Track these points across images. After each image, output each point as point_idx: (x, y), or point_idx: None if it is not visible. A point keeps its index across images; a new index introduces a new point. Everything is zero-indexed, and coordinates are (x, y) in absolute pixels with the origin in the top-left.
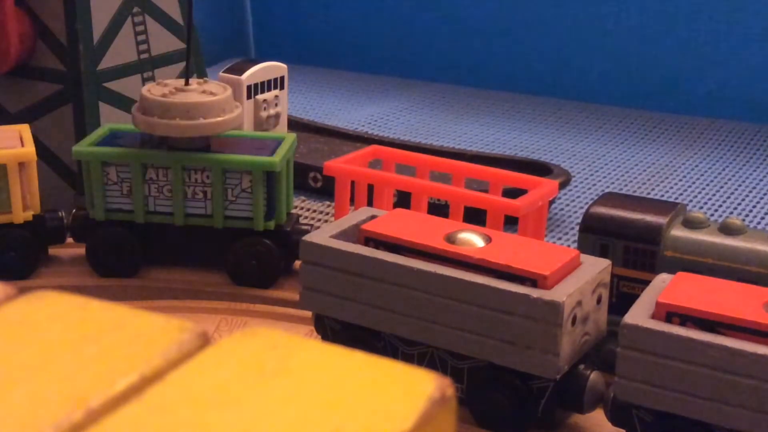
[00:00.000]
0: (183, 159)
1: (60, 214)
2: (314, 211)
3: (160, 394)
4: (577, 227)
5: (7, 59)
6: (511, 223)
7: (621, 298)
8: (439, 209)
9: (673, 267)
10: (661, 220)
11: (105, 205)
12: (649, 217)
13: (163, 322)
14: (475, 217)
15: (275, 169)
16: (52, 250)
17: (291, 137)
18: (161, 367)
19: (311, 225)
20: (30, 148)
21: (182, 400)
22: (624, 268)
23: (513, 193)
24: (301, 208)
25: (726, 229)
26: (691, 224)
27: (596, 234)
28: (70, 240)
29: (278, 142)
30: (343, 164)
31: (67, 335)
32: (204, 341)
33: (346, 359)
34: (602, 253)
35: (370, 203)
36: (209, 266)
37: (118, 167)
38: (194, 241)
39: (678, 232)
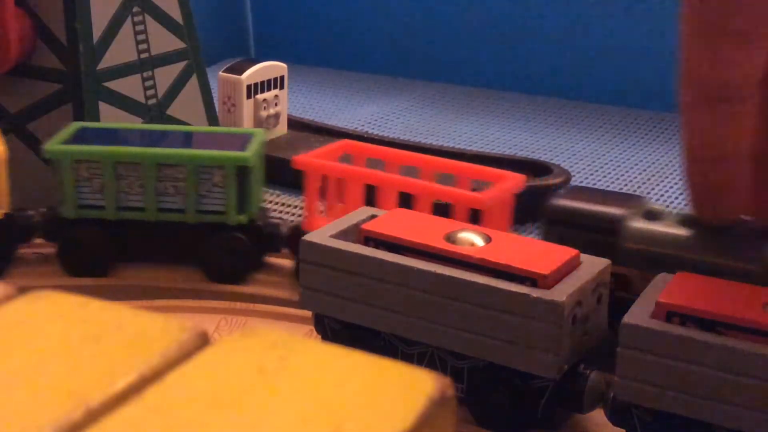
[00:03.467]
0: (155, 155)
1: (31, 212)
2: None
3: (160, 394)
4: None
5: (7, 59)
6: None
7: None
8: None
9: (631, 258)
10: (621, 211)
11: (77, 203)
12: (609, 209)
13: (163, 322)
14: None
15: (248, 164)
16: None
17: (260, 132)
18: (161, 366)
19: (281, 218)
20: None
21: (182, 400)
22: None
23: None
24: (300, 208)
25: (684, 221)
26: (651, 216)
27: (558, 225)
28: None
29: (247, 137)
30: (313, 159)
31: (67, 335)
32: (204, 341)
33: (346, 359)
34: (563, 244)
35: (365, 200)
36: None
37: (90, 164)
38: (167, 238)
39: (637, 223)
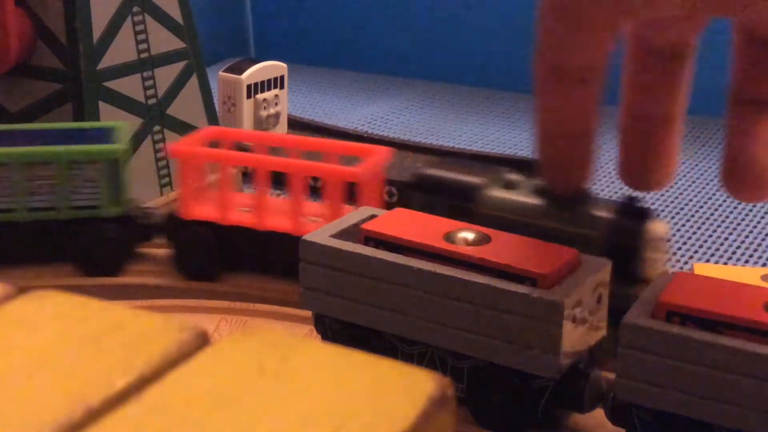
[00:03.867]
0: (26, 154)
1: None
2: None
3: (160, 394)
4: None
5: (7, 59)
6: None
7: None
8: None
9: (487, 223)
10: (480, 180)
11: None
12: (469, 178)
13: (163, 322)
14: None
15: (119, 157)
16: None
17: (124, 125)
18: (161, 366)
19: (154, 208)
20: None
21: (182, 400)
22: None
23: None
24: None
25: (538, 191)
26: (508, 185)
27: (423, 193)
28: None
29: (109, 130)
30: (185, 146)
31: (67, 335)
32: (204, 341)
33: (346, 359)
34: (429, 210)
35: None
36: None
37: None
38: (41, 236)
39: (493, 191)
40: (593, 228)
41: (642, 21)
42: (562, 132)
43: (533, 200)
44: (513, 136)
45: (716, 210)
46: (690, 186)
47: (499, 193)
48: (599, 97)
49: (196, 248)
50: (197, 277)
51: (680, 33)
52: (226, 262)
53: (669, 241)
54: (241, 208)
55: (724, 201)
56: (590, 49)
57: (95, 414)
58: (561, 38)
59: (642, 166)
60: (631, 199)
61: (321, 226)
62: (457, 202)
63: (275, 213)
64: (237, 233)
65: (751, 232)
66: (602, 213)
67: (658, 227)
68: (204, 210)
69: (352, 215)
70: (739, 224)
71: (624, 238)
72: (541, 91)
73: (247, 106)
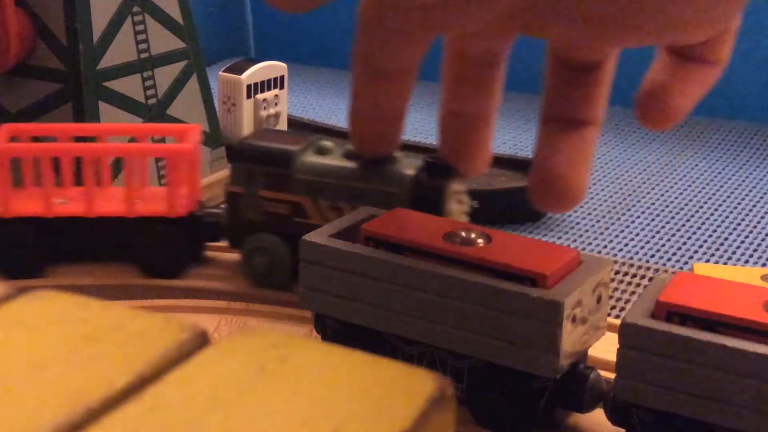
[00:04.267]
0: None
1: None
2: None
3: (160, 394)
4: (577, 226)
5: (7, 59)
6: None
7: (267, 215)
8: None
9: (302, 187)
10: (294, 148)
11: None
12: (284, 146)
13: (163, 322)
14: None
15: None
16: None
17: None
18: (161, 366)
19: None
20: None
21: (182, 400)
22: (267, 190)
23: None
24: None
25: (348, 154)
26: (321, 151)
27: (243, 163)
28: None
29: None
30: None
31: (67, 335)
32: (204, 341)
33: (346, 359)
34: (249, 179)
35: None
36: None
37: None
38: None
39: (307, 157)
40: (399, 186)
41: (455, 33)
42: (374, 116)
43: (344, 163)
44: (513, 136)
45: (716, 210)
46: (690, 186)
47: (312, 159)
48: (410, 89)
49: (15, 246)
50: (19, 275)
51: (490, 44)
52: (53, 256)
53: (467, 194)
54: (60, 200)
55: (724, 201)
56: (401, 56)
57: (95, 414)
58: (377, 44)
59: (457, 155)
60: (433, 158)
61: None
62: (274, 169)
63: (101, 199)
64: (62, 225)
65: (751, 232)
66: (406, 171)
67: (458, 182)
68: (23, 206)
69: (352, 215)
70: (739, 224)
71: (426, 193)
72: (357, 82)
73: (247, 106)
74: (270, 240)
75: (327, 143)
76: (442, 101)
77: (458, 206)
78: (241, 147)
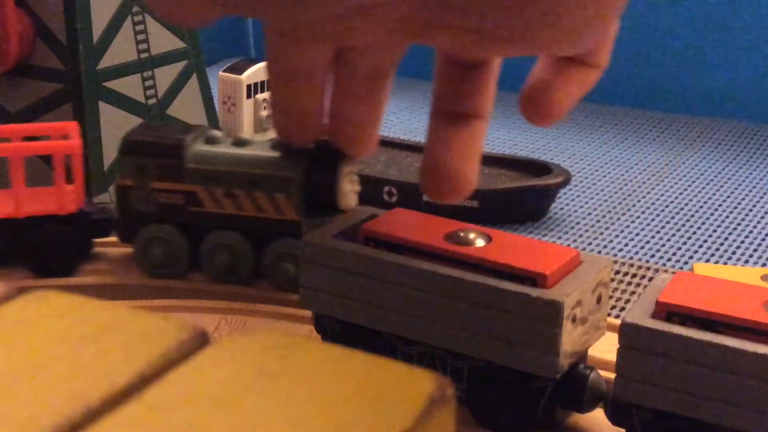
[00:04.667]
0: None
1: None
2: None
3: (160, 394)
4: (577, 226)
5: (7, 59)
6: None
7: (160, 207)
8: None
9: (194, 176)
10: (183, 139)
11: None
12: (174, 138)
13: (163, 322)
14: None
15: None
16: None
17: None
18: (161, 366)
19: None
20: None
21: (182, 400)
22: (159, 181)
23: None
24: None
25: (237, 143)
26: (210, 141)
27: (134, 156)
28: None
29: None
30: None
31: (67, 335)
32: (204, 341)
33: (346, 359)
34: (140, 172)
35: None
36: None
37: None
38: None
39: (198, 147)
40: (294, 169)
41: (349, 45)
42: (288, 111)
43: (236, 151)
44: (513, 137)
45: (716, 210)
46: (690, 186)
47: (203, 148)
48: (320, 89)
49: None
50: None
51: (381, 56)
52: None
53: (359, 173)
54: None
55: (724, 201)
56: (307, 59)
57: (95, 414)
58: (285, 47)
59: (345, 145)
60: (325, 142)
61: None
62: (165, 161)
63: None
64: None
65: (751, 232)
66: (300, 155)
67: (349, 163)
68: None
69: (352, 215)
70: (739, 224)
71: (320, 175)
72: (273, 79)
73: (247, 106)
74: (165, 230)
75: (216, 132)
76: (331, 104)
77: (350, 186)
78: (130, 140)
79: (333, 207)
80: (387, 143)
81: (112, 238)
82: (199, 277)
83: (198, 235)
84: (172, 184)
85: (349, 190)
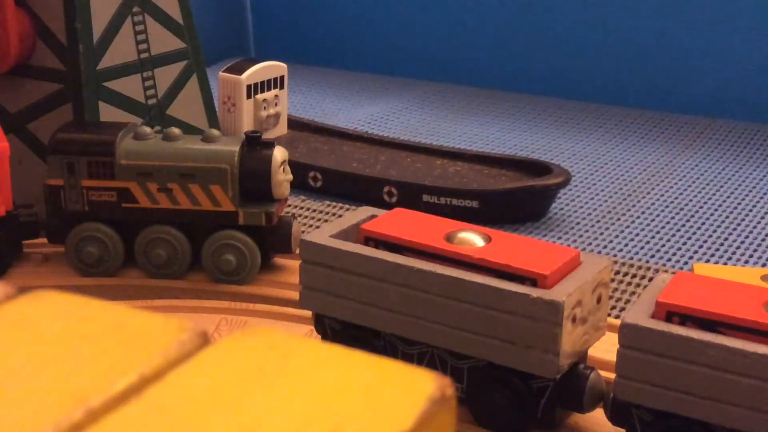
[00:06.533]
0: None
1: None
2: (314, 210)
3: (160, 394)
4: (577, 226)
5: (7, 59)
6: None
7: (92, 205)
8: (437, 208)
9: (127, 172)
10: (113, 136)
11: None
12: (104, 136)
13: (163, 322)
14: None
15: None
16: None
17: None
18: (161, 366)
19: None
20: None
21: (182, 400)
22: (90, 179)
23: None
24: (301, 208)
25: (167, 137)
26: (140, 137)
27: (63, 155)
28: None
29: None
30: None
31: (67, 335)
32: (204, 341)
33: (346, 359)
34: (70, 170)
35: None
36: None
37: None
38: None
39: (128, 144)
40: (227, 161)
41: None
42: None
43: (167, 145)
44: (513, 137)
45: (716, 210)
46: (690, 186)
47: (134, 144)
48: None
49: None
50: None
51: None
52: None
53: (288, 163)
54: None
55: (724, 201)
56: None
57: (95, 414)
58: None
59: None
60: (254, 133)
61: None
62: (96, 159)
63: None
64: None
65: (751, 232)
66: (231, 147)
67: (280, 153)
68: None
69: (352, 215)
70: (739, 224)
71: (254, 165)
72: None
73: (247, 106)
74: (98, 228)
75: (145, 129)
76: None
77: (284, 175)
78: (58, 139)
79: (268, 196)
80: (387, 143)
81: (42, 240)
82: (199, 277)
83: (133, 232)
84: (104, 182)
85: (282, 179)
